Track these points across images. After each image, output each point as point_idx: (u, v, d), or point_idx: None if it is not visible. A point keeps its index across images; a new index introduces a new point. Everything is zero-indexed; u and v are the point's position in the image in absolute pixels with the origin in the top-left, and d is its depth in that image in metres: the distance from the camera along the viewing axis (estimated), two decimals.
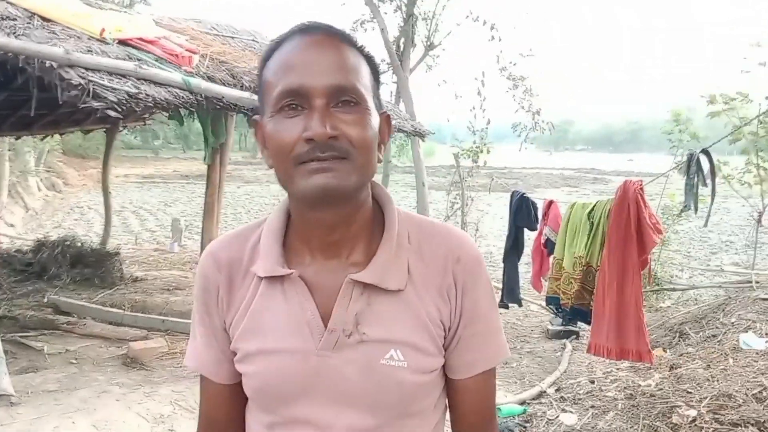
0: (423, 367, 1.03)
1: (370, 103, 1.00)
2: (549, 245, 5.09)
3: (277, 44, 1.02)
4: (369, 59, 1.04)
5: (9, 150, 15.83)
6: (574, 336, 5.88)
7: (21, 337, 5.70)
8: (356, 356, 1.01)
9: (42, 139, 11.56)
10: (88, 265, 7.80)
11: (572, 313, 4.36)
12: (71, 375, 5.01)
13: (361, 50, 1.03)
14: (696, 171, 3.88)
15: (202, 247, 7.79)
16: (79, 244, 8.31)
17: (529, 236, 5.68)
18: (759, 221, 8.21)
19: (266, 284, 1.05)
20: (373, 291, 1.02)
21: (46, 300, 6.84)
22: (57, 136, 11.80)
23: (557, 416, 4.10)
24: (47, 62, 3.84)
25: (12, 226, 14.56)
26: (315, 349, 1.01)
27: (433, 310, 1.04)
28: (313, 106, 0.95)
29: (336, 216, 1.01)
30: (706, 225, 5.22)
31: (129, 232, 14.26)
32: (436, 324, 1.04)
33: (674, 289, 8.06)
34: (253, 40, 7.23)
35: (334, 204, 0.99)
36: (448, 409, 1.16)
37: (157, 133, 41.48)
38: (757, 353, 4.29)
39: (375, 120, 1.01)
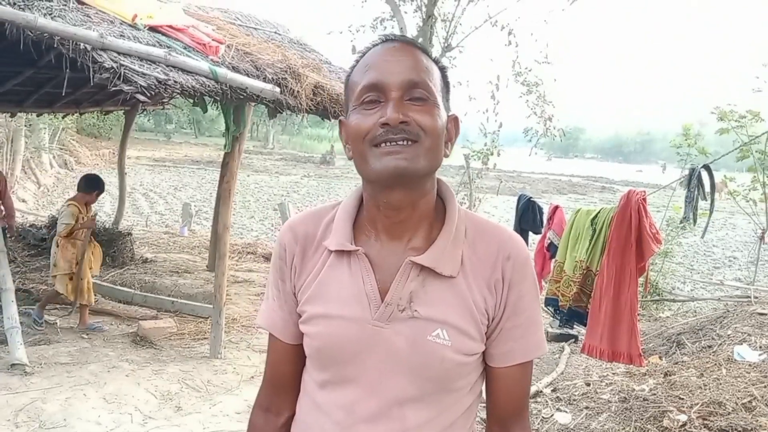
0: (465, 349, 1.14)
1: (440, 101, 1.15)
2: (552, 248, 5.22)
3: (362, 53, 1.19)
4: (441, 67, 1.20)
5: (25, 126, 16.02)
6: (573, 340, 6.00)
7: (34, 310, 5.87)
8: (406, 330, 1.13)
9: (63, 117, 11.72)
10: (100, 244, 7.96)
11: (569, 314, 4.49)
12: (82, 349, 5.17)
13: (433, 59, 1.19)
14: (696, 185, 4.01)
15: (214, 233, 7.91)
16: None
17: (533, 239, 5.81)
18: (762, 238, 8.29)
19: (335, 257, 1.19)
20: (429, 274, 1.14)
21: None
22: (73, 115, 11.98)
23: (552, 415, 4.22)
24: (81, 44, 3.97)
25: (24, 201, 14.75)
26: (371, 319, 1.14)
27: (480, 299, 1.15)
28: (389, 98, 1.10)
29: (402, 198, 1.14)
30: (703, 237, 5.35)
31: (138, 214, 14.41)
32: (482, 312, 1.15)
33: (674, 300, 8.18)
34: (275, 33, 7.36)
35: (403, 185, 1.11)
36: (483, 396, 1.27)
37: (171, 117, 41.66)
38: (749, 365, 4.40)
39: (443, 115, 1.15)
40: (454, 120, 1.22)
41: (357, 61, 1.19)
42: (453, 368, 1.15)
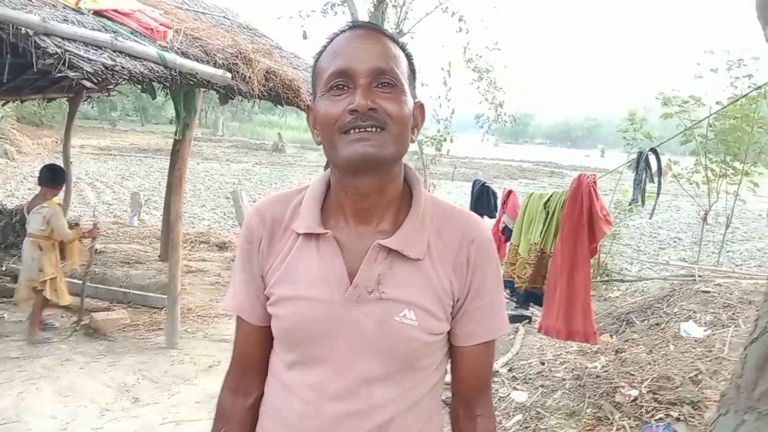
0: (431, 329, 1.18)
1: (407, 87, 1.17)
2: (506, 232, 5.31)
3: (330, 39, 1.19)
4: (407, 54, 1.22)
5: None
6: (527, 320, 6.12)
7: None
8: (374, 311, 1.16)
9: (3, 105, 11.26)
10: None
11: (526, 296, 4.59)
12: (33, 343, 5.02)
13: (401, 46, 1.21)
14: (644, 168, 4.14)
15: (164, 222, 7.77)
16: (24, 211, 8.16)
17: (488, 224, 5.88)
18: (705, 220, 8.59)
19: (303, 240, 1.21)
20: (396, 257, 1.17)
21: (4, 268, 6.77)
22: (12, 103, 11.52)
23: (509, 394, 4.32)
24: (23, 29, 3.82)
25: None
26: (340, 300, 1.16)
27: (445, 281, 1.19)
28: (357, 85, 1.12)
29: (370, 184, 1.16)
30: (651, 218, 5.52)
31: (85, 204, 13.99)
32: (447, 294, 1.19)
33: (623, 281, 8.42)
34: (224, 17, 7.23)
35: (371, 171, 1.14)
36: (448, 375, 1.31)
37: (115, 105, 40.51)
38: (695, 340, 4.58)
39: (410, 102, 1.17)
40: (420, 107, 1.24)
41: (325, 47, 1.20)
42: (419, 347, 1.18)
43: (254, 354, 1.31)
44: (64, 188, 5.68)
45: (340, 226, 1.21)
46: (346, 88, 1.13)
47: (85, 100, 9.04)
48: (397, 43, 1.20)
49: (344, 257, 1.18)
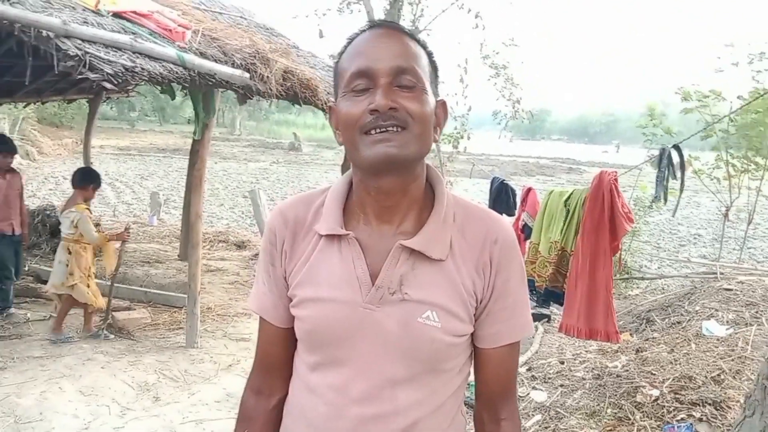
0: (454, 330, 1.17)
1: (428, 86, 1.16)
2: (526, 230, 5.28)
3: (350, 40, 1.19)
4: (429, 53, 1.20)
5: None
6: (546, 319, 6.09)
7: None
8: (397, 312, 1.15)
9: (24, 107, 11.41)
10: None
11: (546, 294, 4.56)
12: (56, 341, 5.08)
13: (421, 44, 1.19)
14: (667, 164, 4.10)
15: (184, 222, 7.82)
16: (58, 214, 8.26)
17: (508, 221, 5.86)
18: (726, 216, 8.48)
19: (325, 241, 1.21)
20: (418, 257, 1.16)
21: (27, 268, 6.85)
22: (33, 105, 11.66)
23: (528, 393, 4.30)
24: (44, 32, 3.86)
25: None
26: (362, 302, 1.16)
27: (468, 282, 1.17)
28: (378, 84, 1.11)
29: (393, 184, 1.15)
30: (674, 215, 5.46)
31: (105, 204, 14.14)
32: (470, 294, 1.18)
33: (643, 278, 8.35)
34: (241, 17, 7.25)
35: (393, 171, 1.13)
36: (471, 377, 1.30)
37: (134, 105, 40.88)
38: (717, 339, 4.53)
39: (431, 101, 1.16)
40: (442, 105, 1.23)
41: (345, 47, 1.19)
42: (443, 349, 1.17)
43: (277, 355, 1.31)
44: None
45: (362, 227, 1.21)
46: (367, 88, 1.12)
47: (105, 101, 9.12)
48: (418, 41, 1.19)
49: (366, 258, 1.18)
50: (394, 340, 1.15)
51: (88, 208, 5.22)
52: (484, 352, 1.24)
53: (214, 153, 26.64)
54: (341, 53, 1.19)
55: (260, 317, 1.32)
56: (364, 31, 1.18)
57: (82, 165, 8.84)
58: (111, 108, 37.69)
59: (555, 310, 5.64)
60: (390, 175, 1.14)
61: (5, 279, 5.59)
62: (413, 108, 1.11)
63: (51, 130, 25.86)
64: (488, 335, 1.22)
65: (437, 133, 1.21)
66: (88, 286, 5.17)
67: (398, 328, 1.15)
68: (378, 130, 1.10)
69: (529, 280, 4.67)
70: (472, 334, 1.22)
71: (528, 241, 4.98)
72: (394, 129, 1.10)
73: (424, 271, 1.16)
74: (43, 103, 8.87)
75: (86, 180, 5.36)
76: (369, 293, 1.16)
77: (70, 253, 5.09)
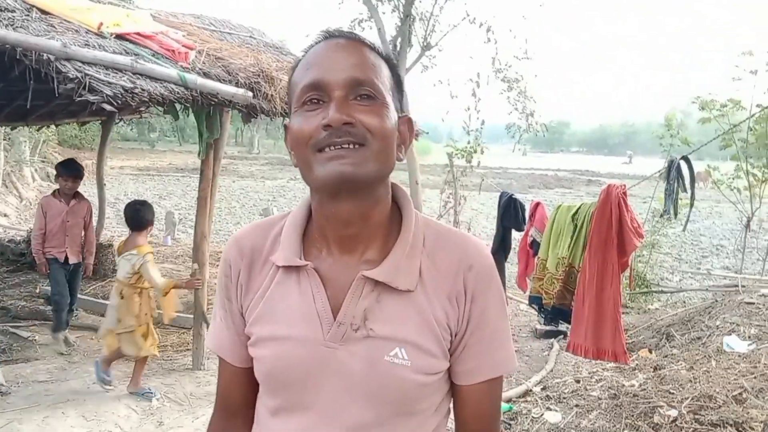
0: (426, 368, 1.05)
1: (389, 99, 1.05)
2: (535, 246, 5.17)
3: (305, 52, 1.09)
4: (390, 64, 1.10)
5: (4, 140, 15.79)
6: (562, 336, 5.94)
7: (12, 327, 5.73)
8: (362, 350, 1.04)
9: (38, 130, 11.55)
10: None
11: (554, 312, 4.43)
12: (62, 366, 5.04)
13: (381, 54, 1.09)
14: (676, 177, 3.95)
15: (195, 241, 7.79)
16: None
17: (516, 237, 5.75)
18: (748, 226, 8.28)
19: (283, 273, 1.10)
20: (384, 289, 1.05)
21: (38, 291, 6.86)
22: (53, 127, 11.80)
23: (542, 414, 4.16)
24: (44, 55, 3.86)
25: (6, 216, 14.53)
26: (323, 340, 1.05)
27: (440, 313, 1.06)
28: (332, 97, 1.01)
29: (352, 209, 1.04)
30: (684, 230, 5.29)
31: (123, 225, 14.22)
32: (443, 328, 1.06)
33: (663, 291, 8.16)
34: (250, 37, 7.25)
35: (350, 193, 1.02)
36: (451, 414, 1.18)
37: (154, 126, 41.41)
38: (739, 356, 4.36)
39: (393, 115, 1.06)
40: (407, 121, 1.13)
41: (299, 60, 1.09)
42: (414, 390, 1.06)
43: (238, 398, 1.21)
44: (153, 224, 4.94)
45: (323, 256, 1.10)
46: (320, 102, 1.02)
47: (118, 122, 9.18)
48: (379, 53, 1.09)
49: (327, 291, 1.07)
50: (359, 382, 1.04)
51: (151, 252, 4.59)
52: (462, 390, 1.12)
53: (232, 172, 26.83)
54: (294, 67, 1.10)
55: (219, 357, 1.22)
56: (318, 41, 1.08)
57: (98, 187, 8.89)
58: (131, 129, 38.25)
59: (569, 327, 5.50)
60: (348, 198, 1.03)
61: (56, 303, 5.54)
62: (372, 123, 1.00)
63: (72, 152, 26.09)
64: (465, 371, 1.11)
65: (402, 152, 1.10)
66: (144, 335, 4.55)
67: (363, 368, 1.04)
68: (332, 148, 0.99)
69: (536, 298, 4.55)
70: (448, 370, 1.11)
71: (536, 257, 4.86)
72: (350, 146, 0.99)
73: (390, 303, 1.05)
74: (57, 126, 8.94)
75: (139, 218, 4.65)
76: (330, 330, 1.05)
77: (122, 297, 4.50)
